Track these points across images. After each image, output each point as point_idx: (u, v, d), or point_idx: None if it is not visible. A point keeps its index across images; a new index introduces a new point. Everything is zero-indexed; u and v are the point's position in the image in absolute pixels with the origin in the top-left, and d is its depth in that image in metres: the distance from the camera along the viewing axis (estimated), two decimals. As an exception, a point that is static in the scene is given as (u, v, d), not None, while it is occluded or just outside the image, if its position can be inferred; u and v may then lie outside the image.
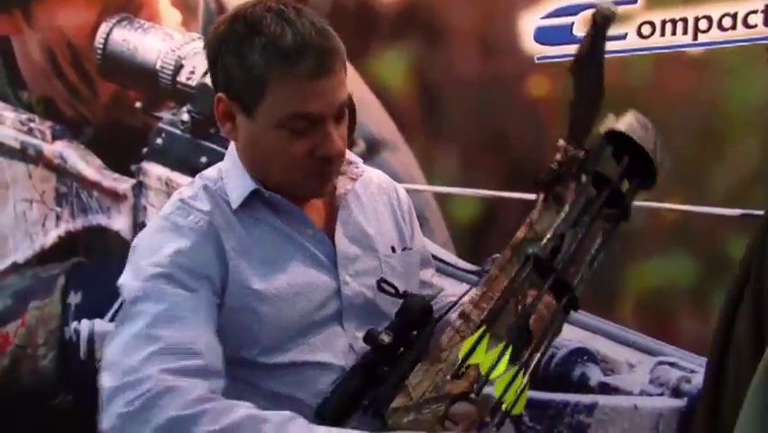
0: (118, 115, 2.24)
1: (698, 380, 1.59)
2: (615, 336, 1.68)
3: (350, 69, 1.94)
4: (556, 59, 1.62)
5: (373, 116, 1.86)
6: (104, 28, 2.14)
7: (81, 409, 2.41)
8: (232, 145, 0.95)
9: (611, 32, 1.60)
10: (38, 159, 2.36)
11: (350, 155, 0.98)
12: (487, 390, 0.80)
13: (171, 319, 0.82)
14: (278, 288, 0.90)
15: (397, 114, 1.85)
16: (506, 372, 0.78)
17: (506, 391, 0.77)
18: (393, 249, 1.01)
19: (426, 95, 1.83)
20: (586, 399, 1.67)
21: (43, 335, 2.45)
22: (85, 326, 2.32)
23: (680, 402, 1.60)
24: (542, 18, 1.65)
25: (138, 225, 2.23)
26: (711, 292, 1.61)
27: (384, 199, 1.05)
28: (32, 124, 2.37)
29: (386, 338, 0.86)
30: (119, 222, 2.28)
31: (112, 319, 2.29)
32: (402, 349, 0.87)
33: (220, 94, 0.89)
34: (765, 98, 1.51)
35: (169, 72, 2.08)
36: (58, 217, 2.37)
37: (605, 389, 1.67)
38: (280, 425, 0.77)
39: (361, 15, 1.79)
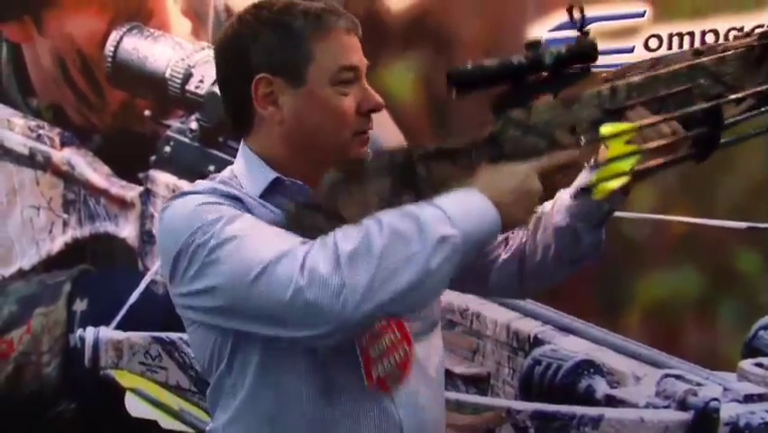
0: (127, 123, 2.25)
1: (704, 393, 1.58)
2: (621, 348, 1.68)
3: (359, 79, 1.96)
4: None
5: (382, 127, 1.84)
6: (114, 36, 2.16)
7: (84, 417, 2.40)
8: (243, 146, 0.96)
9: (618, 45, 1.62)
10: (46, 165, 2.37)
11: None
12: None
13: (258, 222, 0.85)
14: None
15: (405, 124, 1.86)
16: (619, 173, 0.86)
17: (605, 179, 0.86)
18: None
19: (435, 106, 1.84)
20: (592, 411, 1.66)
21: (48, 342, 2.44)
22: (90, 333, 2.31)
23: (686, 415, 1.59)
24: (550, 31, 1.65)
25: (145, 233, 2.23)
26: (718, 304, 1.61)
27: None
28: (41, 131, 2.38)
29: (548, 59, 0.87)
30: (126, 229, 2.29)
31: (117, 327, 2.29)
32: (548, 76, 0.88)
33: (261, 75, 0.90)
34: (773, 112, 1.51)
35: (179, 81, 2.09)
36: (65, 224, 2.37)
37: (611, 401, 1.66)
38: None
39: (370, 26, 1.80)
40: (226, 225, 0.83)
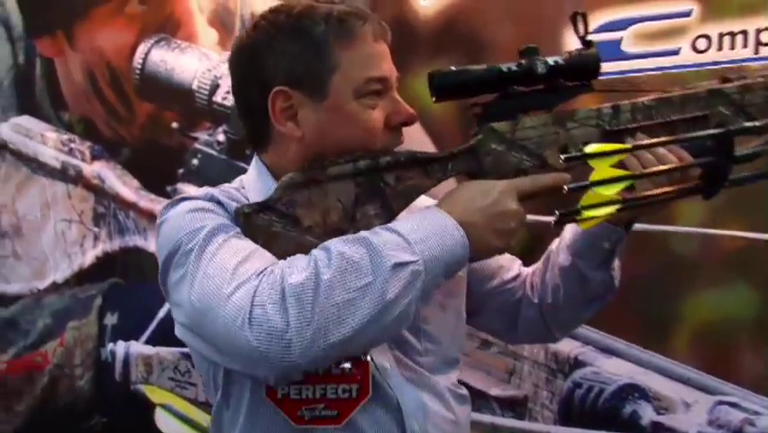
0: (155, 136, 2.24)
1: (763, 423, 1.47)
2: (669, 371, 1.58)
3: (387, 88, 1.91)
4: (605, 77, 1.54)
5: (412, 139, 1.78)
6: (142, 48, 2.16)
7: (116, 431, 2.40)
8: (256, 159, 0.90)
9: (662, 47, 1.52)
10: (77, 179, 2.39)
11: None
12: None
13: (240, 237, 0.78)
14: None
15: (437, 135, 1.79)
16: (606, 202, 0.77)
17: (590, 207, 0.77)
18: None
19: (468, 116, 1.76)
20: (637, 439, 1.57)
21: (80, 355, 2.46)
22: (120, 347, 2.33)
23: (743, 447, 1.49)
24: (590, 33, 1.57)
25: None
26: (776, 326, 1.50)
27: None
28: (72, 145, 2.40)
29: (540, 67, 0.81)
30: (155, 243, 2.27)
31: (147, 341, 2.28)
32: (543, 87, 0.83)
33: (278, 88, 0.81)
34: (835, 117, 1.40)
35: (206, 92, 2.07)
36: (95, 238, 2.38)
37: (658, 429, 1.56)
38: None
39: (399, 32, 1.73)
40: (210, 237, 0.77)
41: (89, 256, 2.40)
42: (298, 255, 0.74)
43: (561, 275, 0.92)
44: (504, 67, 0.81)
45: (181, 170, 2.16)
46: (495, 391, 1.73)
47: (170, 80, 2.13)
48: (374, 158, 0.81)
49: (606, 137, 0.81)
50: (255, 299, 0.71)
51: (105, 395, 2.40)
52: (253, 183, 0.87)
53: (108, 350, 2.36)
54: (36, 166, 2.46)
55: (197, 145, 2.13)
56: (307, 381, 0.80)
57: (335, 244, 0.74)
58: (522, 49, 0.82)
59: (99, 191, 2.34)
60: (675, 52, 1.49)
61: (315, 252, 0.74)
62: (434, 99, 0.83)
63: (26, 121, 2.48)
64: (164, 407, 2.28)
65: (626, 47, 1.53)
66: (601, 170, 0.77)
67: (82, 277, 2.42)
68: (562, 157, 0.79)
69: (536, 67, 0.80)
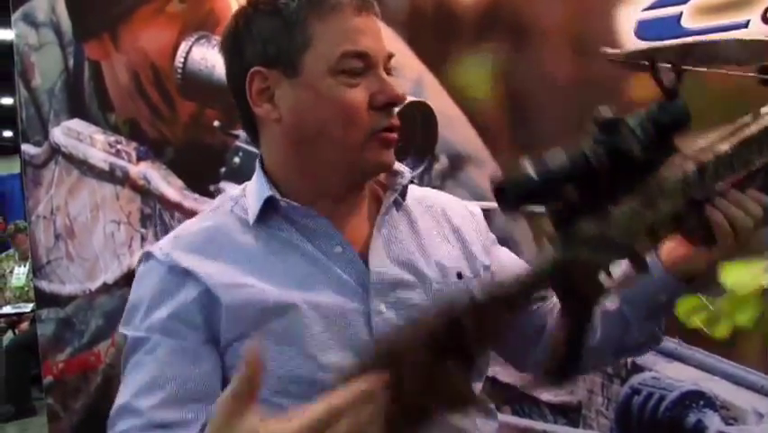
0: (198, 135, 2.24)
1: None
2: (738, 378, 1.45)
3: (430, 77, 1.84)
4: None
5: (456, 129, 1.74)
6: (183, 47, 2.16)
7: None
8: (258, 158, 0.86)
9: (729, 20, 1.40)
10: (124, 180, 2.42)
11: (397, 165, 0.86)
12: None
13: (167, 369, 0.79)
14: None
15: (482, 126, 1.71)
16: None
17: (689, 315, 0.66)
18: (459, 275, 0.87)
19: (514, 103, 1.67)
20: (704, 451, 1.45)
21: (130, 355, 2.49)
22: (167, 348, 2.33)
23: (824, 462, 1.35)
24: (643, 10, 1.45)
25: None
26: None
27: (452, 223, 0.91)
28: (119, 146, 2.42)
29: (636, 148, 0.66)
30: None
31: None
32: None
33: (254, 68, 0.79)
34: None
35: (246, 89, 2.06)
36: (143, 239, 2.40)
37: (727, 441, 1.44)
38: None
39: (441, 18, 1.68)
40: (135, 345, 0.80)
41: (137, 257, 2.42)
42: None
43: (601, 317, 0.82)
44: (579, 152, 0.65)
45: (223, 169, 2.15)
46: (546, 397, 1.64)
47: (211, 78, 2.12)
48: (447, 314, 0.65)
49: (689, 207, 0.70)
50: None
51: (154, 396, 2.42)
52: (252, 185, 0.84)
53: (156, 351, 2.38)
54: (86, 168, 2.51)
55: (239, 143, 2.11)
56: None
57: None
58: (601, 120, 0.67)
59: (145, 192, 2.37)
60: (743, 26, 1.36)
61: None
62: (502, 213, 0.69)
63: (76, 124, 2.53)
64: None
65: (687, 23, 1.40)
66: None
67: (130, 278, 2.42)
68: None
69: (631, 151, 0.65)
